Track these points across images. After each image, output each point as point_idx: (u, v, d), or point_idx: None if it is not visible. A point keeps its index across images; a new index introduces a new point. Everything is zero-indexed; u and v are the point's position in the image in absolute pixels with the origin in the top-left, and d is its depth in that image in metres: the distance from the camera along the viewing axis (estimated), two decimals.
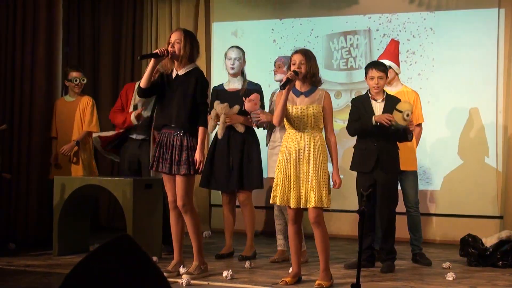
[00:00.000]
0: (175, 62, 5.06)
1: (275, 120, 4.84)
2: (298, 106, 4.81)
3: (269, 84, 7.20)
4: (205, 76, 6.23)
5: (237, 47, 6.21)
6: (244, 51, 6.20)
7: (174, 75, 5.09)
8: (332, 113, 4.88)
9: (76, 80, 6.84)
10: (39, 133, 6.86)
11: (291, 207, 4.82)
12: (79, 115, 6.79)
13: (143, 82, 4.98)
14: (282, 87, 4.75)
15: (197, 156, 4.98)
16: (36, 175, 6.83)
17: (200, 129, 5.05)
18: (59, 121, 6.81)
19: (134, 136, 6.29)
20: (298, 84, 4.87)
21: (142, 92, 5.06)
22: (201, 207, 7.95)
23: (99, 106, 7.91)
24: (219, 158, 6.03)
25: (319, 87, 4.88)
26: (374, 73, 5.53)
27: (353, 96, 7.61)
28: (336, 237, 7.42)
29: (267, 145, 5.95)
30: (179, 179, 5.01)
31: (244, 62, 6.16)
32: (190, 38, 5.08)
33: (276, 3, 8.11)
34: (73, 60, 7.83)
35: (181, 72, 5.07)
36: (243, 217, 6.07)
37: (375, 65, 5.61)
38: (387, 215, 5.51)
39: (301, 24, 8.04)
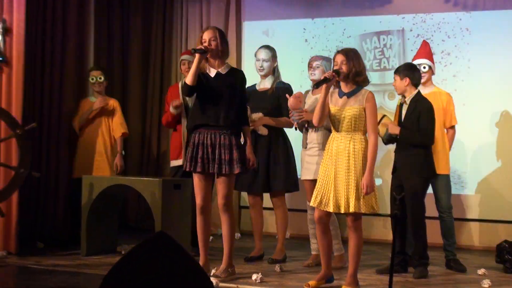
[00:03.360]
0: (211, 60, 5.09)
1: (314, 120, 4.84)
2: (340, 107, 4.80)
3: (301, 85, 7.18)
4: None
5: (267, 46, 6.19)
6: (275, 50, 6.17)
7: (213, 74, 5.10)
8: (375, 113, 4.77)
9: (93, 79, 6.86)
10: (68, 132, 6.93)
11: (330, 211, 4.77)
12: (104, 116, 6.83)
13: (189, 79, 4.97)
14: (315, 86, 4.79)
15: (251, 155, 5.07)
16: (64, 174, 6.91)
17: (247, 128, 5.17)
18: (83, 121, 6.83)
19: None
20: (343, 84, 4.84)
21: (188, 90, 5.04)
22: None
23: (128, 107, 8.14)
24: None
25: (365, 87, 4.82)
26: (394, 76, 5.62)
27: (386, 98, 7.62)
28: (367, 241, 7.22)
29: (304, 147, 5.86)
30: (224, 179, 5.01)
31: (275, 60, 6.13)
32: (223, 36, 5.13)
33: (309, 2, 8.08)
34: (102, 61, 7.87)
35: (222, 70, 5.10)
36: (276, 219, 6.06)
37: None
38: (411, 220, 5.46)
39: (333, 23, 7.99)
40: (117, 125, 6.85)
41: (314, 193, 4.83)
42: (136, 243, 2.11)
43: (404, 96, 5.61)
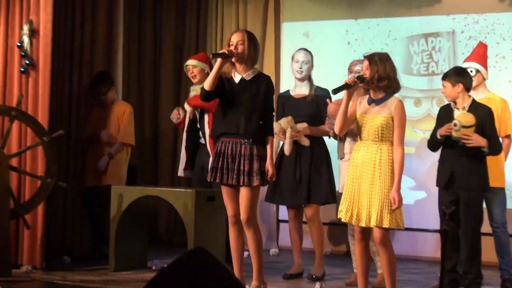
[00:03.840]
0: (237, 65, 5.08)
1: (335, 128, 4.82)
2: (368, 115, 4.76)
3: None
4: (274, 81, 6.30)
5: (305, 49, 6.21)
6: (312, 55, 6.19)
7: (237, 79, 5.09)
8: (404, 124, 4.71)
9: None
10: (94, 140, 6.92)
11: (355, 224, 4.76)
12: (114, 122, 6.83)
13: (208, 84, 4.97)
14: (333, 91, 4.77)
15: (270, 167, 5.00)
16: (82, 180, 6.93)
17: (270, 138, 5.09)
18: (93, 126, 6.87)
19: (203, 141, 6.39)
20: (372, 92, 4.80)
21: (206, 95, 5.03)
22: (267, 222, 7.93)
23: (159, 111, 8.19)
24: (286, 171, 6.03)
25: (395, 95, 4.78)
26: (442, 82, 5.56)
27: (434, 104, 7.50)
28: (415, 258, 7.29)
29: (340, 158, 5.88)
30: (246, 191, 4.99)
31: (312, 66, 6.15)
32: (253, 40, 5.10)
33: (351, 2, 8.04)
34: (132, 63, 7.95)
35: (247, 76, 5.08)
36: (311, 234, 6.05)
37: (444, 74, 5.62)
38: (470, 236, 5.42)
39: (378, 24, 7.93)
40: (120, 133, 6.83)
41: (342, 207, 4.80)
42: (168, 258, 2.10)
43: (455, 103, 5.55)
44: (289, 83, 7.14)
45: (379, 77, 4.66)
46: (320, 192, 5.94)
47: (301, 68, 6.06)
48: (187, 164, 6.45)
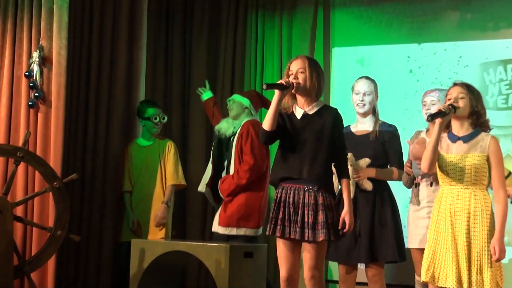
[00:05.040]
0: (298, 98, 5.06)
1: (423, 166, 4.81)
2: (454, 154, 4.75)
3: (404, 127, 6.99)
4: None
5: (368, 78, 6.16)
6: (376, 84, 6.15)
7: (299, 114, 5.06)
8: (502, 163, 4.73)
9: (155, 118, 6.91)
10: (114, 186, 6.99)
11: (440, 285, 4.68)
12: (159, 163, 6.91)
13: (268, 123, 4.91)
14: (429, 118, 4.76)
15: (347, 217, 4.96)
16: (110, 237, 6.97)
17: (345, 182, 5.05)
18: (134, 171, 6.94)
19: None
20: (456, 127, 4.83)
21: (267, 137, 4.98)
22: None
23: (187, 150, 8.25)
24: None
25: (485, 132, 4.81)
26: None
27: None
28: None
29: (412, 204, 5.86)
30: (309, 247, 4.92)
31: (377, 97, 6.11)
32: (316, 68, 5.08)
33: (414, 24, 7.98)
34: (159, 92, 7.99)
35: (310, 110, 5.04)
36: None
37: None
38: None
39: (445, 50, 7.83)
40: (169, 174, 6.91)
41: (424, 264, 4.75)
42: None
43: None
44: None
45: (477, 113, 4.74)
46: (385, 248, 5.83)
47: (362, 100, 5.99)
48: (211, 180, 6.68)
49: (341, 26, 8.28)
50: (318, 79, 5.03)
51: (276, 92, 4.88)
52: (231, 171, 6.55)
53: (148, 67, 7.58)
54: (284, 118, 5.02)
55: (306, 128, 5.00)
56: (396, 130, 6.02)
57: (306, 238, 4.89)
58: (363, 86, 6.03)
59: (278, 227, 4.93)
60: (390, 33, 8.09)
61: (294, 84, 4.93)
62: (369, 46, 8.17)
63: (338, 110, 5.14)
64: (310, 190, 4.94)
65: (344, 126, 5.69)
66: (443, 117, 4.71)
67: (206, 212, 8.18)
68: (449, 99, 4.80)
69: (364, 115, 6.03)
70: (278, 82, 4.94)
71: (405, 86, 7.81)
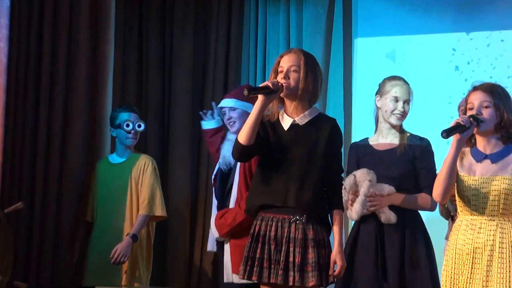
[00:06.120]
0: (287, 102, 4.92)
1: (435, 192, 4.76)
2: (478, 176, 4.67)
3: (449, 140, 6.60)
4: (342, 124, 6.76)
5: (402, 79, 5.90)
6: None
7: (286, 124, 4.90)
8: None
9: (127, 125, 6.70)
10: (73, 216, 6.84)
11: None
12: (133, 186, 6.74)
13: (245, 136, 4.76)
14: (444, 134, 4.60)
15: (337, 257, 4.80)
16: (67, 283, 6.79)
17: (337, 213, 4.89)
18: (100, 196, 6.76)
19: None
20: (481, 142, 4.73)
21: (242, 152, 4.83)
22: None
23: (167, 169, 8.10)
24: (364, 258, 5.72)
25: None
26: None
27: None
28: None
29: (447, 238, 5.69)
30: None
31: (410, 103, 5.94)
32: (313, 66, 4.93)
33: (461, 7, 7.78)
34: (131, 98, 7.86)
35: (301, 120, 4.87)
36: None
37: None
38: None
39: (502, 40, 7.63)
40: (143, 201, 6.71)
41: None
42: None
43: None
44: (363, 125, 7.22)
45: (502, 122, 4.64)
46: None
47: (403, 109, 5.74)
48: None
49: (366, 11, 8.11)
50: (314, 81, 4.87)
51: (260, 97, 4.72)
52: (232, 201, 6.24)
53: (117, 66, 7.50)
54: (266, 127, 4.88)
55: (294, 142, 4.86)
56: (429, 144, 5.79)
57: (291, 283, 4.76)
58: (404, 92, 5.82)
59: (255, 268, 4.81)
60: (429, 19, 7.87)
61: (284, 86, 4.76)
62: (402, 36, 7.98)
63: (336, 121, 5.03)
64: (297, 222, 4.76)
65: (361, 139, 5.95)
66: (462, 132, 4.57)
67: (192, 249, 8.05)
68: (470, 109, 4.72)
69: (395, 126, 5.83)
70: (263, 84, 4.76)
71: (449, 87, 7.61)
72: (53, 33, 6.86)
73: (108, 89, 7.15)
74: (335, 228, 4.86)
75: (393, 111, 5.78)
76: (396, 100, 5.77)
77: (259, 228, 4.85)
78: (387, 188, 5.62)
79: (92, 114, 7.00)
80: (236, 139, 4.83)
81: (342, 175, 5.03)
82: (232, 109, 6.36)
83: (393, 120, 5.77)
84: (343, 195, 5.23)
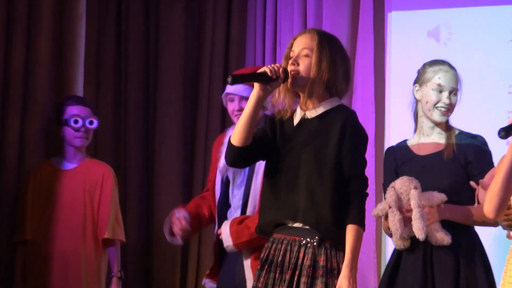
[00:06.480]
0: (302, 95, 4.66)
1: (487, 208, 4.43)
2: None
3: (509, 139, 6.14)
4: (373, 120, 6.91)
5: (447, 63, 5.56)
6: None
7: (296, 120, 4.67)
8: None
9: (75, 122, 6.34)
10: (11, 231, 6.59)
11: None
12: (87, 201, 6.41)
13: (238, 135, 4.56)
14: (503, 133, 4.33)
15: (343, 283, 4.49)
16: None
17: (352, 229, 4.54)
18: (38, 211, 6.38)
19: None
20: None
21: (236, 156, 4.63)
22: None
23: (154, 178, 7.84)
24: (407, 284, 5.45)
25: None
26: None
27: None
28: None
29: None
30: None
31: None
32: (330, 49, 4.61)
33: None
34: (106, 93, 7.55)
35: (311, 113, 4.62)
36: None
37: None
38: None
39: None
40: (103, 221, 6.44)
41: None
42: None
43: None
44: (399, 122, 7.22)
45: None
46: None
47: (449, 100, 5.44)
48: (213, 269, 6.05)
49: None
50: (332, 68, 4.57)
51: (256, 87, 4.50)
52: (251, 209, 5.79)
53: (89, 55, 7.20)
54: (275, 126, 4.70)
55: (302, 142, 4.63)
56: (485, 143, 5.50)
57: None
58: (450, 80, 5.51)
59: None
60: None
61: (289, 74, 4.51)
62: (448, 10, 7.51)
63: (354, 113, 4.74)
64: (308, 245, 4.56)
65: (399, 141, 5.80)
66: None
67: (184, 281, 7.72)
68: None
69: (439, 124, 5.60)
70: (261, 70, 4.53)
71: (508, 73, 7.12)
72: (6, 12, 6.64)
73: (78, 81, 6.89)
74: (347, 247, 4.52)
75: (436, 103, 5.48)
76: (440, 90, 5.49)
77: (268, 253, 4.65)
78: (438, 196, 5.31)
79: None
80: (229, 140, 4.64)
81: (364, 182, 4.59)
82: (245, 98, 5.84)
83: (436, 115, 5.48)
84: (390, 216, 5.14)
